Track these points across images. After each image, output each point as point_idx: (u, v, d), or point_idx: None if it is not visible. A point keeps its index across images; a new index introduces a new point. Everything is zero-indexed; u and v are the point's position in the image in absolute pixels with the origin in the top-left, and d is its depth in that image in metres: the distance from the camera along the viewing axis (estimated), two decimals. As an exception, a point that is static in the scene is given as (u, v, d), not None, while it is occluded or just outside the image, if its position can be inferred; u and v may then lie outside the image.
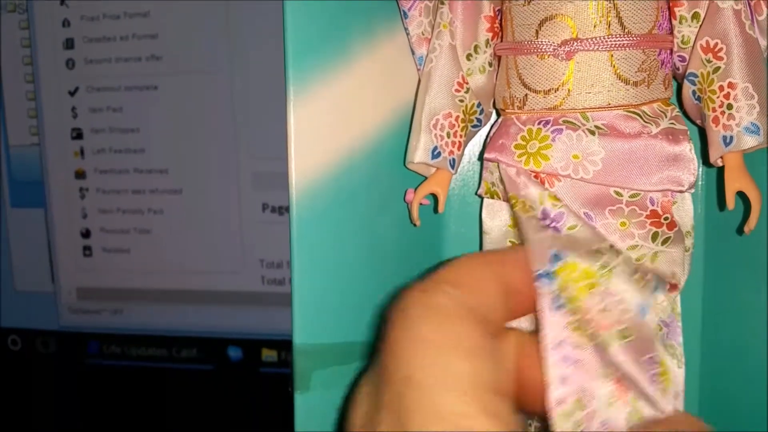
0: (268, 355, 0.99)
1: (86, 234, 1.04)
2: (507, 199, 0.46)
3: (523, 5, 0.42)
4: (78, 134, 1.01)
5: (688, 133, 0.41)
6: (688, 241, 0.45)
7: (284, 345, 0.98)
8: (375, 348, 0.34)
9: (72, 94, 1.01)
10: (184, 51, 0.95)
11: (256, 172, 0.95)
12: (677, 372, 0.47)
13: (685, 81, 0.42)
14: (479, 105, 0.46)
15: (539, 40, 0.42)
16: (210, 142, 0.96)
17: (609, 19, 0.40)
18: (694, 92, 0.42)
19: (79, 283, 1.06)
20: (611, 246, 0.40)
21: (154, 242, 1.01)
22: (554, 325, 0.37)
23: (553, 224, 0.43)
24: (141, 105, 0.98)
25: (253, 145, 0.95)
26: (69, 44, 0.99)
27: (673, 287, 0.42)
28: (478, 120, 0.47)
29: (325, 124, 0.44)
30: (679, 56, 0.42)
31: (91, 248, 1.05)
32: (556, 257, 0.40)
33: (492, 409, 0.30)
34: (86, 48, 0.99)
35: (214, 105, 0.95)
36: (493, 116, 0.48)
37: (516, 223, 0.44)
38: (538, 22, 0.42)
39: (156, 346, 1.05)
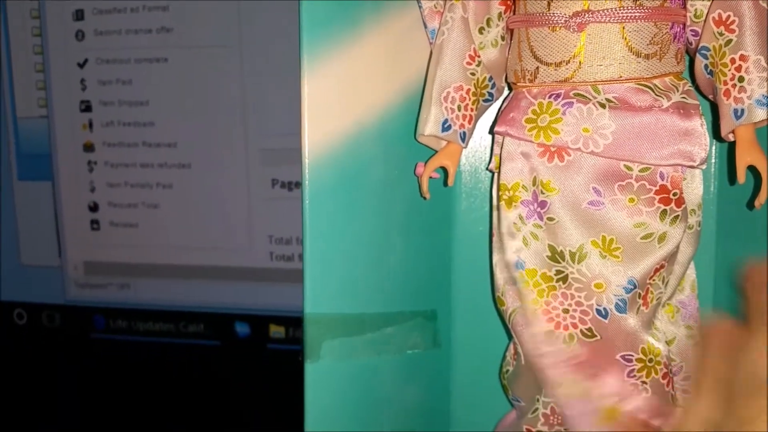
0: (276, 331, 0.99)
1: (94, 208, 1.04)
2: None
3: (536, -23, 0.42)
4: (87, 107, 1.01)
5: (700, 108, 0.42)
6: (693, 219, 0.45)
7: (292, 321, 0.98)
8: None
9: (81, 66, 1.00)
10: (195, 23, 0.95)
11: (266, 147, 0.95)
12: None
13: (698, 55, 0.42)
14: (491, 79, 0.46)
15: (551, 11, 0.41)
16: (219, 116, 0.96)
17: (621, -10, 0.40)
18: (706, 66, 0.42)
19: (86, 257, 1.06)
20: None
21: (162, 217, 1.01)
22: None
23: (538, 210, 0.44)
24: (151, 77, 0.97)
25: (262, 120, 0.94)
26: (79, 15, 0.98)
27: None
28: (490, 94, 0.47)
29: (337, 97, 0.44)
30: (692, 30, 0.42)
31: (99, 222, 1.04)
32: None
33: None
34: (96, 19, 0.98)
35: (224, 79, 0.94)
36: (506, 92, 0.48)
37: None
38: (551, -6, 0.42)
39: (163, 321, 1.05)
